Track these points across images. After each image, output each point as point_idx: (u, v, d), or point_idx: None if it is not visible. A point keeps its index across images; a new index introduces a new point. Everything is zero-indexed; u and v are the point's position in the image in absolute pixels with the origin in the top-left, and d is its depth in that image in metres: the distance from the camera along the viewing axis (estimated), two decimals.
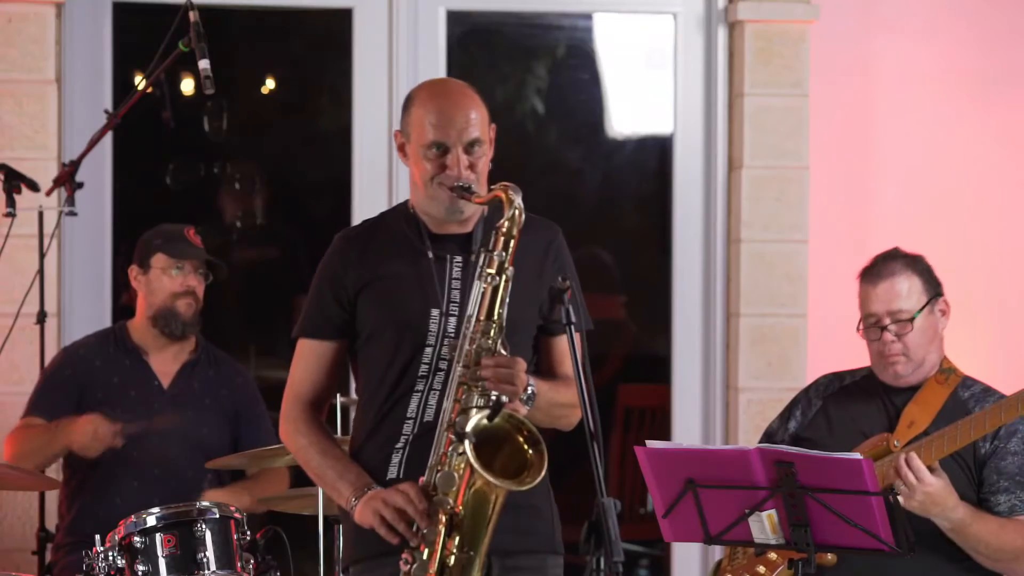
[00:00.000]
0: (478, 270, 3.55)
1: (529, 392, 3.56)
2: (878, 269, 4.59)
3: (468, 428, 3.48)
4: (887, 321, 4.52)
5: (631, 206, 6.67)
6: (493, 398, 3.50)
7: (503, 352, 3.53)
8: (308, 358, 3.77)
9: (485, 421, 3.50)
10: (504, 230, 3.55)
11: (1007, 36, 6.11)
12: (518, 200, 3.54)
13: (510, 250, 3.54)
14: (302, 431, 3.75)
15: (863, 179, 6.07)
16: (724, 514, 3.81)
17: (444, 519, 3.51)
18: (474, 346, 3.53)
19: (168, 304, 5.28)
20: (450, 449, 3.53)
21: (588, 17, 6.38)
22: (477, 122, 3.64)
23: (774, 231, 5.97)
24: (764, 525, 3.81)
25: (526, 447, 3.53)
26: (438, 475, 3.53)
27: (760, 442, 4.77)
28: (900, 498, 4.30)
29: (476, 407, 3.51)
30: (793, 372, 5.90)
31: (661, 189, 6.24)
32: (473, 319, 3.54)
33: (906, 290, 4.53)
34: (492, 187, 3.58)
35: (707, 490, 3.78)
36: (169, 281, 5.28)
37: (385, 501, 3.55)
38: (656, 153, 6.39)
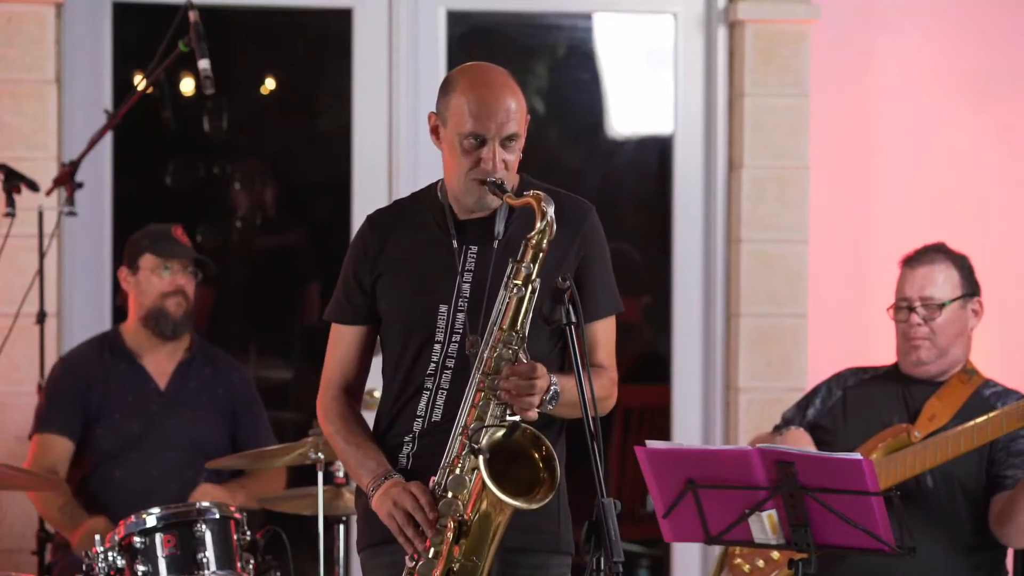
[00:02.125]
0: (505, 279, 3.53)
1: (552, 392, 3.54)
2: (920, 256, 4.69)
3: (483, 443, 3.47)
4: (917, 304, 4.59)
5: (631, 206, 6.67)
6: (509, 414, 3.49)
7: (523, 360, 3.51)
8: (337, 343, 3.77)
9: (500, 436, 3.49)
10: (534, 243, 3.52)
11: (1007, 36, 6.11)
12: (551, 213, 3.51)
13: (538, 263, 3.52)
14: (331, 418, 3.75)
15: (863, 179, 6.07)
16: (724, 514, 3.81)
17: (453, 525, 3.51)
18: (495, 354, 3.51)
19: (158, 304, 5.27)
20: (463, 452, 3.52)
21: (588, 17, 6.37)
22: (516, 114, 3.61)
23: (774, 231, 5.97)
24: (764, 525, 3.81)
25: (540, 464, 3.52)
26: (449, 478, 3.53)
27: (776, 426, 4.81)
28: None
29: (492, 419, 3.49)
30: (793, 372, 5.90)
31: (661, 189, 6.24)
32: (496, 327, 3.52)
33: (942, 280, 4.63)
34: (525, 193, 3.55)
35: (707, 490, 3.78)
36: (158, 281, 5.27)
37: (396, 503, 3.55)
38: (656, 153, 6.38)
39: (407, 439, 3.68)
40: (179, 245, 5.31)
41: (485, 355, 3.52)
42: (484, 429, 3.49)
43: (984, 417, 4.45)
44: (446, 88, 3.66)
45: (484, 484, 3.46)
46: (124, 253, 5.36)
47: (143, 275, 5.29)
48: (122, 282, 5.35)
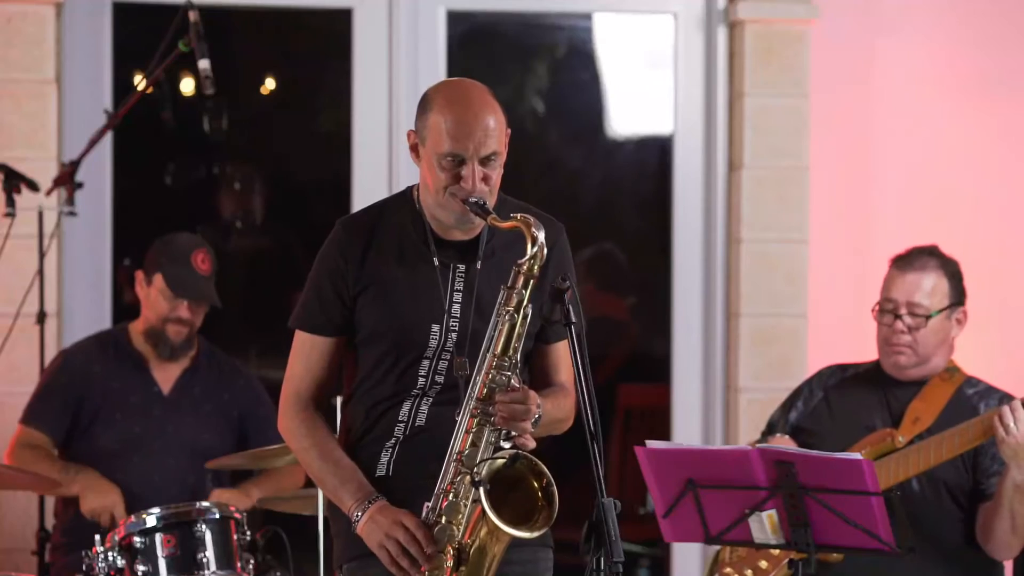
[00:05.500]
0: (497, 306, 3.51)
1: (536, 417, 3.52)
2: (912, 259, 4.62)
3: (483, 473, 3.44)
4: (903, 311, 4.55)
5: (631, 206, 6.67)
6: (504, 441, 3.47)
7: (516, 385, 3.50)
8: (308, 353, 3.71)
9: (500, 465, 3.47)
10: (525, 269, 3.49)
11: (1008, 37, 6.11)
12: (541, 238, 3.48)
13: (529, 289, 3.49)
14: (303, 431, 3.70)
15: (863, 179, 6.07)
16: (724, 514, 3.81)
17: (452, 551, 3.49)
18: (488, 380, 3.49)
19: (159, 326, 5.28)
20: (458, 479, 3.50)
21: (588, 17, 6.38)
22: (495, 132, 3.55)
23: (774, 231, 5.97)
24: (764, 525, 3.81)
25: (538, 492, 3.49)
26: (444, 504, 3.51)
27: (763, 432, 4.80)
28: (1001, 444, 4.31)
29: (487, 444, 3.47)
30: (793, 372, 5.90)
31: (661, 189, 6.24)
32: (489, 354, 3.50)
33: (931, 287, 4.56)
34: (513, 216, 3.51)
35: (707, 490, 3.78)
36: (163, 306, 5.26)
37: (388, 535, 3.51)
38: (656, 153, 6.38)
39: (388, 444, 3.65)
40: (193, 278, 5.26)
41: (478, 381, 3.50)
42: (478, 445, 3.47)
43: (965, 424, 4.41)
44: (424, 106, 3.61)
45: (484, 514, 3.43)
46: (146, 255, 5.34)
47: (153, 292, 5.28)
48: (137, 284, 5.35)
